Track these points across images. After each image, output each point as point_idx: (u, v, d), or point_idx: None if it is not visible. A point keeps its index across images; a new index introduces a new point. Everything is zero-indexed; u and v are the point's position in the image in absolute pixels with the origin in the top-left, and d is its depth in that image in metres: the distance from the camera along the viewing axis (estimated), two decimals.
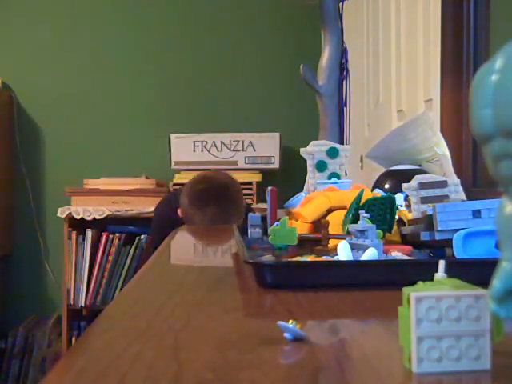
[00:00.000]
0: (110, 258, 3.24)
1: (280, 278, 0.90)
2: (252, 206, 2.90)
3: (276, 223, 1.11)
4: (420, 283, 0.55)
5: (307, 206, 1.31)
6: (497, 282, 0.49)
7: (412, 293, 0.52)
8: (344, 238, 1.03)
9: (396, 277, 0.84)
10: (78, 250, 3.23)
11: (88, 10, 3.67)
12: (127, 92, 3.67)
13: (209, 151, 3.37)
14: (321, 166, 1.60)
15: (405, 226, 1.21)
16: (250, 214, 1.35)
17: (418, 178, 1.30)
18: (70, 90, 3.65)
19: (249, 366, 0.55)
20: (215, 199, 2.39)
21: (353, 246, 0.99)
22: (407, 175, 1.44)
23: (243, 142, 3.37)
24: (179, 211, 2.46)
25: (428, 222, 1.07)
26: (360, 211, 1.04)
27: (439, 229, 1.04)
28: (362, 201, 1.13)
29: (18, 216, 3.62)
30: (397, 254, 1.04)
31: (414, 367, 0.52)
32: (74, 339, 3.23)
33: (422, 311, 0.52)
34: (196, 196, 2.41)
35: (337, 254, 0.99)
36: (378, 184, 1.69)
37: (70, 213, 3.20)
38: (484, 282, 0.54)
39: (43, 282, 3.63)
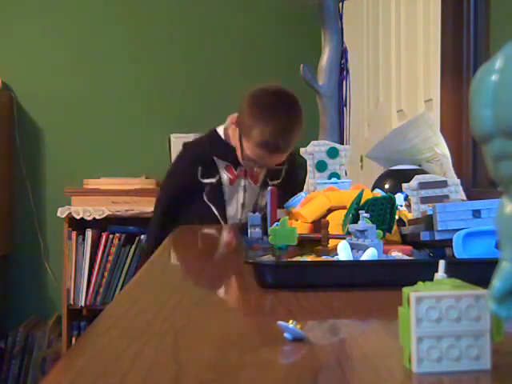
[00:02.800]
0: (110, 258, 3.24)
1: (280, 278, 0.90)
2: None
3: (276, 223, 1.11)
4: (420, 283, 0.55)
5: (307, 206, 1.31)
6: (497, 282, 0.49)
7: (412, 293, 0.52)
8: (344, 238, 1.03)
9: (396, 277, 0.84)
10: (78, 250, 3.23)
11: (88, 10, 3.67)
12: (127, 92, 3.67)
13: None
14: (321, 166, 1.60)
15: (405, 225, 1.21)
16: (250, 214, 1.35)
17: (418, 178, 1.30)
18: (69, 90, 3.65)
19: (249, 365, 0.55)
20: (282, 110, 2.05)
21: (353, 246, 0.99)
22: (407, 175, 1.44)
23: None
24: (233, 122, 2.14)
25: (428, 222, 1.07)
26: (360, 211, 1.04)
27: (439, 229, 1.04)
28: (362, 201, 1.13)
29: (18, 216, 3.62)
30: (397, 254, 1.04)
31: (414, 367, 0.52)
32: (74, 339, 3.22)
33: (422, 311, 0.52)
34: (260, 103, 2.07)
35: (337, 254, 0.99)
36: (378, 184, 1.69)
37: (70, 213, 3.20)
38: (484, 282, 0.54)
39: (43, 282, 3.63)
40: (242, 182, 2.21)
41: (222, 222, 2.19)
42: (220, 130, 2.25)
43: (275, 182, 2.22)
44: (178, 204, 2.22)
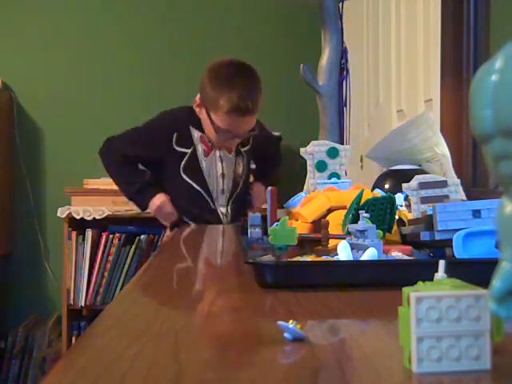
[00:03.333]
0: (110, 258, 3.24)
1: (280, 278, 0.90)
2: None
3: (276, 223, 1.11)
4: (420, 283, 0.55)
5: (307, 206, 1.31)
6: (497, 282, 0.49)
7: (412, 293, 0.52)
8: (344, 238, 1.03)
9: (396, 277, 0.84)
10: (77, 250, 3.23)
11: (88, 10, 3.67)
12: (127, 92, 3.67)
13: None
14: (321, 166, 1.61)
15: (405, 225, 1.21)
16: (250, 214, 1.35)
17: (418, 178, 1.30)
18: (69, 90, 3.65)
19: (249, 365, 0.55)
20: (242, 75, 2.16)
21: (353, 246, 0.99)
22: (407, 175, 1.44)
23: None
24: (197, 100, 2.26)
25: (428, 222, 1.07)
26: (360, 211, 1.04)
27: (439, 229, 1.04)
28: (362, 201, 1.13)
29: (18, 216, 3.62)
30: (397, 254, 1.04)
31: (414, 367, 0.52)
32: (74, 339, 3.22)
33: (422, 311, 0.52)
34: (220, 74, 2.17)
35: (337, 254, 0.99)
36: (378, 184, 1.69)
37: (70, 213, 3.20)
38: (484, 282, 0.54)
39: (43, 282, 3.63)
40: (218, 153, 2.25)
41: (206, 196, 2.22)
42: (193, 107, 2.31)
43: (246, 148, 2.30)
44: (149, 165, 2.26)
